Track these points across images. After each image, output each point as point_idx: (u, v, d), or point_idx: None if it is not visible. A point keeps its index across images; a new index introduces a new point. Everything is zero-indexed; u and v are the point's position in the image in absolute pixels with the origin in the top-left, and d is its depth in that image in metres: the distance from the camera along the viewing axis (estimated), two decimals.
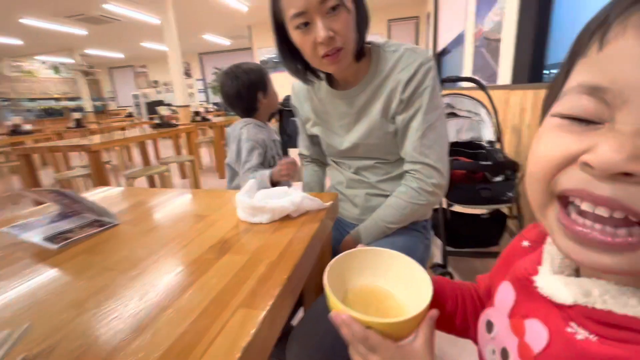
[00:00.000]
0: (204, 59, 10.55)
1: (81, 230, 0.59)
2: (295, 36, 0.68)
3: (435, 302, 0.42)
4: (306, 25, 0.64)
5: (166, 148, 5.51)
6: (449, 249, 1.46)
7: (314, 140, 0.95)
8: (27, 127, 4.31)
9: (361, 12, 0.68)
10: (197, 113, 4.21)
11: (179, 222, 0.63)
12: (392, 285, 0.40)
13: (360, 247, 0.42)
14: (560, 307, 0.26)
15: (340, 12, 0.64)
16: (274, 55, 7.33)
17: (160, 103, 7.67)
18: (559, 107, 0.23)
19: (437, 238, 1.57)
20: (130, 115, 9.02)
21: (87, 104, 9.65)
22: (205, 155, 5.10)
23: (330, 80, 0.81)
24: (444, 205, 1.50)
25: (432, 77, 0.71)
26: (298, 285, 0.45)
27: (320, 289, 0.70)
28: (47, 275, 0.46)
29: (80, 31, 6.60)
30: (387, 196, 0.79)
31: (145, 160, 3.55)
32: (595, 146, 0.20)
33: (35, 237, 0.56)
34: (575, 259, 0.22)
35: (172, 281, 0.42)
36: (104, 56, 9.70)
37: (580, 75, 0.22)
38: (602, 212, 0.21)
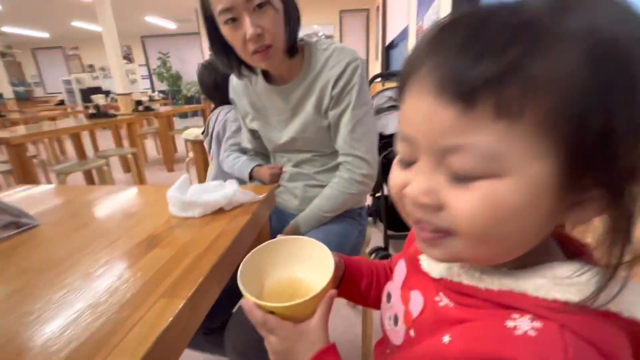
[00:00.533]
0: (147, 43, 9.74)
1: None
2: (225, 31, 0.69)
3: (352, 280, 0.47)
4: (234, 20, 0.65)
5: (106, 139, 5.06)
6: (390, 232, 1.58)
7: (255, 134, 0.96)
8: None
9: (290, 10, 0.71)
10: (139, 102, 3.91)
11: (108, 220, 0.62)
12: (307, 271, 0.44)
13: (279, 237, 0.46)
14: (434, 280, 0.32)
15: (267, 10, 0.66)
16: None
17: (97, 90, 6.95)
18: (395, 146, 0.30)
19: (380, 223, 1.68)
20: (61, 103, 8.09)
21: (6, 90, 8.40)
22: (152, 148, 4.79)
23: (267, 75, 0.83)
24: (386, 193, 1.61)
25: (359, 75, 0.76)
26: (226, 274, 0.48)
27: None
28: None
29: None
30: (324, 186, 0.84)
31: (81, 154, 3.24)
32: (409, 182, 0.26)
33: None
34: (425, 253, 0.30)
35: (94, 278, 0.42)
36: (25, 35, 8.49)
37: (399, 125, 0.28)
38: (425, 228, 0.27)
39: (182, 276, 0.41)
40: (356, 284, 0.48)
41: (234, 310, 0.74)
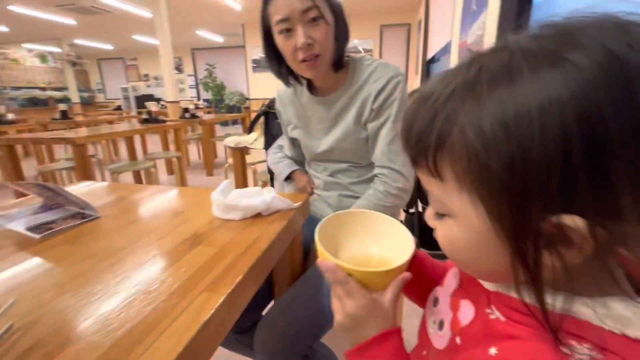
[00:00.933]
0: (196, 55, 10.48)
1: (64, 221, 0.63)
2: (279, 40, 0.74)
3: (420, 270, 0.45)
4: (289, 31, 0.70)
5: (154, 143, 5.46)
6: (422, 250, 1.53)
7: (295, 143, 1.00)
8: (11, 116, 4.23)
9: (341, 26, 0.75)
10: (186, 110, 4.20)
11: (157, 217, 0.67)
12: (380, 247, 0.43)
13: (352, 209, 0.45)
14: (487, 291, 0.32)
15: (320, 24, 0.70)
16: None
17: (150, 97, 7.57)
18: None
19: None
20: (118, 108, 8.89)
21: (74, 95, 9.45)
22: (194, 152, 5.09)
23: (311, 88, 0.87)
24: (420, 209, 1.57)
25: (401, 90, 0.77)
26: (261, 275, 0.50)
27: (289, 282, 0.76)
28: (30, 261, 0.50)
29: (69, 21, 6.49)
30: (358, 197, 0.85)
31: (132, 155, 3.53)
32: None
33: (19, 226, 0.60)
34: None
35: (146, 268, 0.46)
36: (93, 47, 9.53)
37: None
38: None
39: (223, 274, 0.44)
40: (423, 275, 0.46)
41: (264, 312, 0.76)
